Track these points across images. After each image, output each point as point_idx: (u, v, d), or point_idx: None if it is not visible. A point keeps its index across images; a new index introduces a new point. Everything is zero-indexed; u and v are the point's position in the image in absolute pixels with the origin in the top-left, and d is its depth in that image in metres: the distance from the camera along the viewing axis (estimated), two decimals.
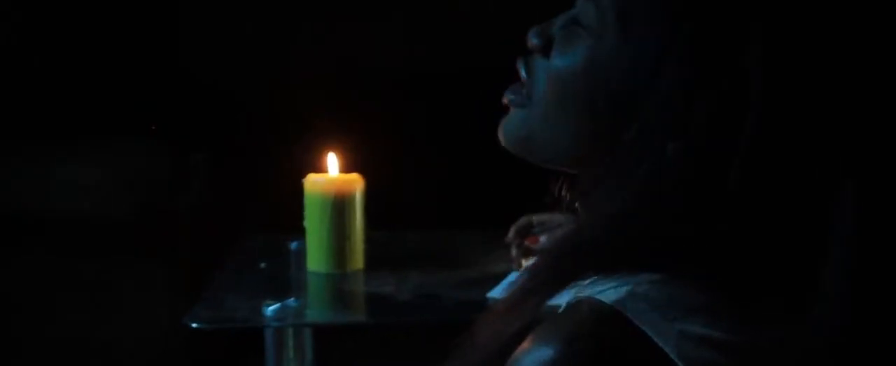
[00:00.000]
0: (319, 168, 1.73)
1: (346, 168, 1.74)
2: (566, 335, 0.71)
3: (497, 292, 1.57)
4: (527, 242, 1.65)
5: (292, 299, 1.53)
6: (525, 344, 0.73)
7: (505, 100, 0.86)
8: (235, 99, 2.46)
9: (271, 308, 1.50)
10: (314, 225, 1.69)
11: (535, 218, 1.67)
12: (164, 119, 2.40)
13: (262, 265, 1.75)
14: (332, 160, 1.72)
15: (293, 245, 1.79)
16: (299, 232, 1.72)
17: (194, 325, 1.46)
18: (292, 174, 1.74)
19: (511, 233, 1.68)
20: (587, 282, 0.76)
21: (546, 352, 0.71)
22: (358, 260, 1.71)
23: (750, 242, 0.74)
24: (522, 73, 0.84)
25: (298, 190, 1.71)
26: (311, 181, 1.69)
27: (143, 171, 2.41)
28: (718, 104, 0.72)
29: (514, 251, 1.67)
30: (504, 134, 0.86)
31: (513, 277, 1.64)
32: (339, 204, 1.67)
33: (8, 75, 2.35)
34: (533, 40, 0.84)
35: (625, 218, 0.76)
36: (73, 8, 2.39)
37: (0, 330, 2.37)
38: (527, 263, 1.66)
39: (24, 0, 2.36)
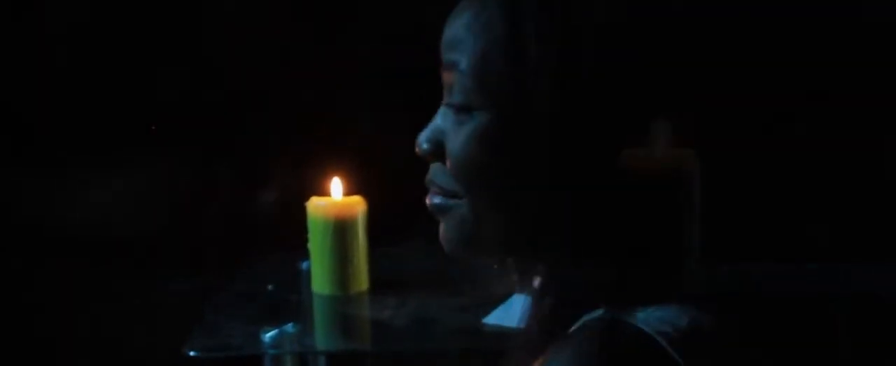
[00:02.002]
0: (326, 189, 1.75)
1: (352, 186, 1.75)
2: (589, 355, 0.71)
3: (493, 319, 1.57)
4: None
5: (290, 324, 1.55)
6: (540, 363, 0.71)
7: (430, 208, 0.84)
8: (255, 108, 2.47)
9: (269, 334, 1.52)
10: (317, 248, 1.70)
11: None
12: (190, 130, 2.42)
13: (270, 287, 1.77)
14: (336, 184, 1.73)
15: (304, 265, 1.80)
16: None
17: (192, 353, 1.48)
18: (314, 188, 1.76)
19: None
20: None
21: None
22: (362, 281, 1.72)
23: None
24: (436, 182, 0.84)
25: None
26: (314, 205, 1.70)
27: (168, 182, 2.43)
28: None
29: (515, 275, 1.67)
30: (448, 244, 0.85)
31: (515, 300, 1.64)
32: (340, 227, 1.68)
33: (30, 88, 2.38)
34: (422, 146, 0.84)
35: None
36: (95, 23, 2.42)
37: (23, 341, 2.42)
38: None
39: (41, 21, 2.40)
